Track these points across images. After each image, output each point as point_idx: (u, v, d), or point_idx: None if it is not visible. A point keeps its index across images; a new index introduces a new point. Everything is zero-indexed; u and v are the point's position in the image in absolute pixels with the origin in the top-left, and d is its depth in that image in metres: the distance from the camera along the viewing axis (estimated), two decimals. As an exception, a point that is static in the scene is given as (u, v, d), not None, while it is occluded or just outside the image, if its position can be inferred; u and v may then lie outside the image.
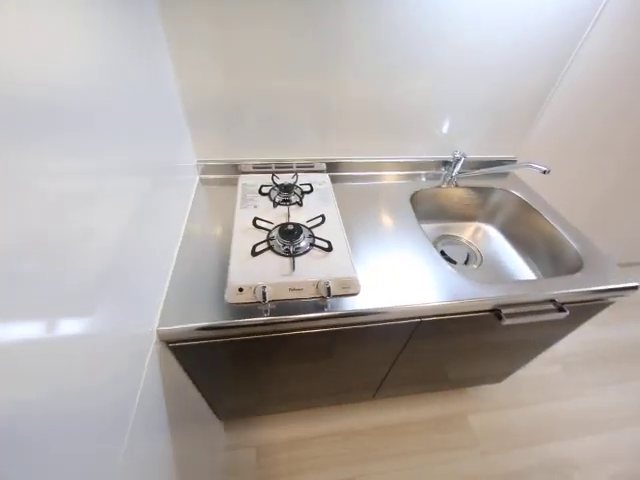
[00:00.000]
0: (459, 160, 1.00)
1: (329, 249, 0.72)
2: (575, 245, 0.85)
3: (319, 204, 0.87)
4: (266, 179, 0.93)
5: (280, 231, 0.73)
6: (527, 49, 0.85)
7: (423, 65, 0.84)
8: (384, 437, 1.17)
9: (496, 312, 0.73)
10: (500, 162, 1.09)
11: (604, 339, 1.55)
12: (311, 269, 0.67)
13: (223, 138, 0.93)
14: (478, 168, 1.04)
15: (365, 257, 0.76)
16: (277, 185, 0.88)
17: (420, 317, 0.71)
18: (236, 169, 0.98)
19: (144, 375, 0.52)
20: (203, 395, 0.89)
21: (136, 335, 0.52)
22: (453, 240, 1.09)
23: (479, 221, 1.13)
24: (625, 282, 0.75)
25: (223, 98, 0.84)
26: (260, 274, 0.65)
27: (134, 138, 0.54)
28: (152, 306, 0.59)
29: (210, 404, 0.96)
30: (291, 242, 0.71)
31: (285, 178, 0.93)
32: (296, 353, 0.77)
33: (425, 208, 1.07)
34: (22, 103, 0.30)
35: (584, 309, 0.80)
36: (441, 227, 1.11)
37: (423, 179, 1.07)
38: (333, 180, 1.00)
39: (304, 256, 0.71)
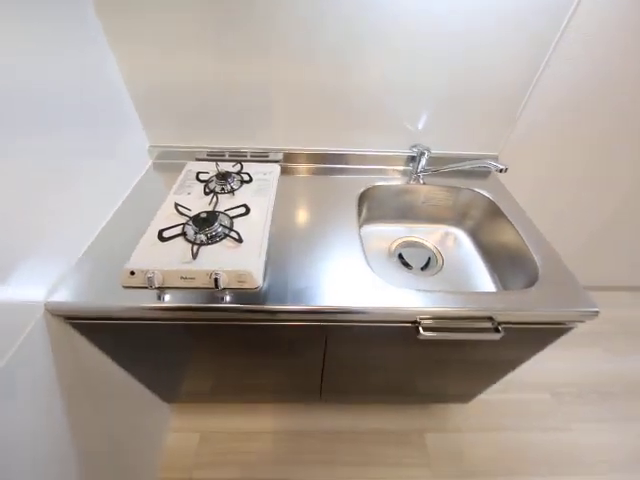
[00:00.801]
0: (422, 155, 0.91)
1: (239, 240, 0.69)
2: (536, 257, 0.73)
3: (254, 195, 0.83)
4: (214, 167, 0.92)
5: (194, 219, 0.71)
6: (506, 27, 0.73)
7: (373, 49, 0.76)
8: (332, 443, 1.13)
9: (415, 324, 0.65)
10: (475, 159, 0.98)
11: (611, 371, 1.35)
12: (214, 259, 0.65)
13: (177, 124, 0.93)
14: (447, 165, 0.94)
15: (285, 254, 0.72)
16: (215, 175, 0.86)
17: (322, 321, 0.65)
18: (192, 156, 0.98)
19: (16, 347, 0.53)
20: (134, 376, 0.91)
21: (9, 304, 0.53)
22: (416, 243, 1.00)
23: (448, 224, 1.02)
24: (582, 306, 0.63)
25: (167, 85, 0.84)
26: (159, 260, 0.64)
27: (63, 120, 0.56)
28: (44, 277, 0.60)
29: (148, 386, 0.99)
30: (199, 230, 0.69)
31: (230, 167, 0.91)
32: (206, 344, 0.76)
33: (387, 206, 0.99)
34: None
35: (529, 332, 0.69)
36: (406, 228, 1.03)
37: (388, 175, 0.99)
38: (287, 172, 0.97)
39: (214, 245, 0.68)
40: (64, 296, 0.61)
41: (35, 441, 0.58)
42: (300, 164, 1.00)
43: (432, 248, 0.99)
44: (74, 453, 0.68)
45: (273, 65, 0.79)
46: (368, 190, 0.93)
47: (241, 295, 0.63)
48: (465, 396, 1.10)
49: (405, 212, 1.01)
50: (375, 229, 1.01)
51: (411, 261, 0.94)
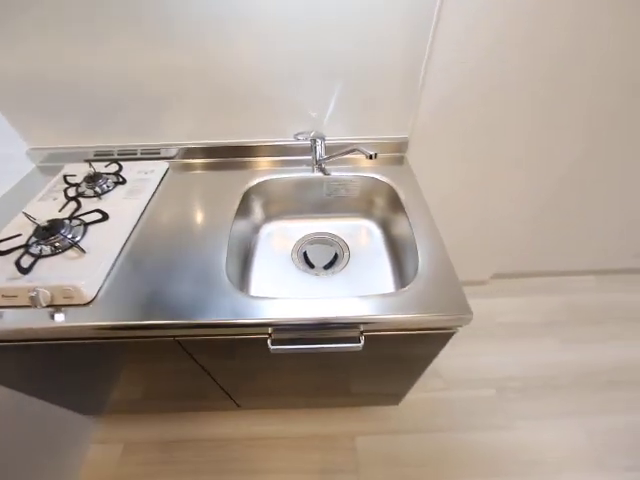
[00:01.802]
0: (316, 143, 0.82)
1: (82, 250, 0.62)
2: (420, 252, 0.65)
3: (125, 197, 0.77)
4: (99, 167, 0.85)
5: (36, 229, 0.65)
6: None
7: (241, 32, 0.68)
8: (253, 449, 1.08)
9: (266, 337, 0.58)
10: (385, 146, 0.89)
11: (562, 362, 1.26)
12: (49, 274, 0.59)
13: (58, 123, 0.86)
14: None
15: (143, 262, 0.65)
16: (85, 177, 0.80)
17: (168, 336, 0.59)
18: (82, 157, 0.92)
19: None
20: (35, 395, 0.87)
21: None
22: (324, 239, 0.92)
23: (357, 216, 0.94)
24: (454, 312, 0.56)
25: (29, 81, 0.76)
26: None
27: None
28: None
29: (57, 403, 0.95)
30: (43, 240, 0.63)
31: (106, 171, 0.84)
32: (76, 361, 0.71)
33: (289, 201, 0.91)
34: None
35: (401, 338, 0.61)
36: (314, 223, 0.94)
37: (289, 167, 0.90)
38: (181, 168, 0.90)
39: (56, 257, 0.62)
40: None
41: None
42: (195, 159, 0.93)
43: (340, 243, 0.91)
44: None
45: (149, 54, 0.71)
46: (259, 185, 0.85)
47: (70, 312, 0.57)
48: (390, 397, 1.03)
49: (311, 206, 0.93)
50: (279, 227, 0.93)
51: (315, 260, 0.87)
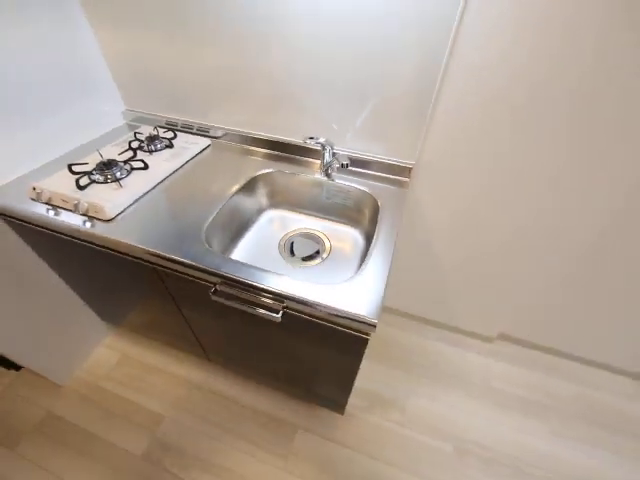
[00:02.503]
0: (324, 148, 0.93)
1: (120, 185, 0.84)
2: (368, 262, 0.71)
3: (168, 158, 0.98)
4: (161, 132, 1.10)
5: (99, 163, 0.89)
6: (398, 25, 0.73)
7: (272, 39, 0.84)
8: (212, 403, 1.21)
9: (212, 285, 0.71)
10: (387, 167, 0.95)
11: (542, 452, 1.11)
12: (95, 194, 0.82)
13: (149, 97, 1.14)
14: (355, 166, 0.95)
15: (157, 206, 0.84)
16: (149, 136, 1.04)
17: (152, 263, 0.76)
18: (155, 122, 1.18)
19: None
20: (69, 285, 1.15)
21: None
22: (312, 235, 1.02)
23: (345, 222, 1.02)
24: (362, 313, 0.61)
25: (143, 65, 1.04)
26: (58, 183, 0.83)
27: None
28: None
29: (87, 302, 1.23)
30: (99, 171, 0.86)
31: (164, 134, 1.08)
32: (99, 266, 0.94)
33: (291, 194, 1.04)
34: None
35: (316, 327, 0.68)
36: (309, 219, 1.05)
37: (300, 166, 1.03)
38: (221, 147, 1.09)
39: (104, 185, 0.85)
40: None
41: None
42: (231, 142, 1.11)
43: (325, 243, 0.99)
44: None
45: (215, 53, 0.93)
46: (269, 174, 0.99)
47: (96, 224, 0.78)
48: (332, 402, 1.06)
49: (311, 204, 1.04)
50: (279, 215, 1.06)
51: (297, 250, 0.97)
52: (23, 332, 1.05)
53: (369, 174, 0.99)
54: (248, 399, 1.23)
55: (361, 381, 1.28)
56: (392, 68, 0.79)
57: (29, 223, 0.84)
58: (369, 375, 1.30)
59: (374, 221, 0.88)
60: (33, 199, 0.83)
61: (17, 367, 1.27)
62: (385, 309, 1.53)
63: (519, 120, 0.79)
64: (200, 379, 1.28)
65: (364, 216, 0.97)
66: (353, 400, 1.23)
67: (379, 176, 0.98)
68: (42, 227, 0.83)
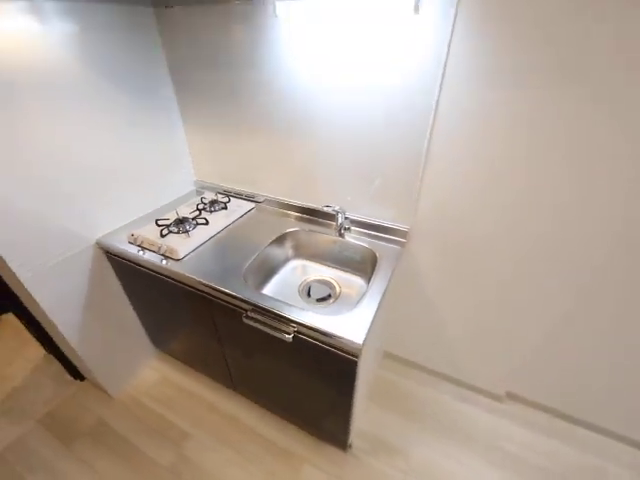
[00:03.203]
0: (338, 213, 1.21)
1: (188, 235, 1.17)
2: (361, 303, 0.92)
3: (223, 216, 1.32)
4: (214, 196, 1.47)
5: (176, 219, 1.25)
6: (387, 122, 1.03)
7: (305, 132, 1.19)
8: (230, 427, 1.36)
9: (244, 311, 0.95)
10: (388, 229, 1.20)
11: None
12: (172, 240, 1.15)
13: (212, 172, 1.55)
14: (362, 228, 1.22)
15: (214, 250, 1.15)
16: (211, 200, 1.41)
17: (205, 293, 1.03)
18: (215, 189, 1.58)
19: (70, 254, 1.14)
20: (135, 311, 1.46)
21: (76, 234, 1.15)
22: (327, 282, 1.25)
23: (353, 272, 1.24)
24: (349, 337, 0.80)
25: (212, 153, 1.47)
26: (147, 231, 1.18)
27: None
28: (104, 224, 1.23)
29: (145, 327, 1.52)
30: (175, 225, 1.21)
31: (221, 199, 1.45)
32: (165, 296, 1.23)
33: (312, 248, 1.30)
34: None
35: (317, 350, 0.88)
36: (325, 268, 1.29)
37: (320, 227, 1.31)
38: (263, 210, 1.43)
39: (178, 234, 1.19)
40: (108, 239, 1.22)
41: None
42: (268, 206, 1.45)
43: (336, 289, 1.22)
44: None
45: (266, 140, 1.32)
46: (294, 232, 1.28)
47: (170, 262, 1.09)
48: (333, 435, 1.17)
49: (327, 256, 1.29)
50: (302, 264, 1.32)
51: (313, 293, 1.20)
52: (96, 344, 1.34)
53: (374, 234, 1.23)
54: (264, 428, 1.36)
55: (370, 425, 1.36)
56: (388, 157, 1.08)
57: (123, 259, 1.19)
58: (379, 421, 1.38)
59: (373, 272, 1.10)
60: (130, 242, 1.18)
61: (82, 378, 1.55)
62: (401, 360, 1.63)
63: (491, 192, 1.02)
64: (226, 407, 1.44)
65: (367, 267, 1.19)
66: (360, 443, 1.30)
67: (382, 236, 1.22)
68: (132, 262, 1.17)
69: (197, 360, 1.50)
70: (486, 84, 0.86)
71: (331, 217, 1.30)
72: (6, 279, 1.16)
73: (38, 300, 1.10)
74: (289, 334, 0.88)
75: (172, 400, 1.47)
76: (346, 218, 1.24)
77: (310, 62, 1.03)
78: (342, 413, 1.05)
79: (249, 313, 0.95)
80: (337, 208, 1.20)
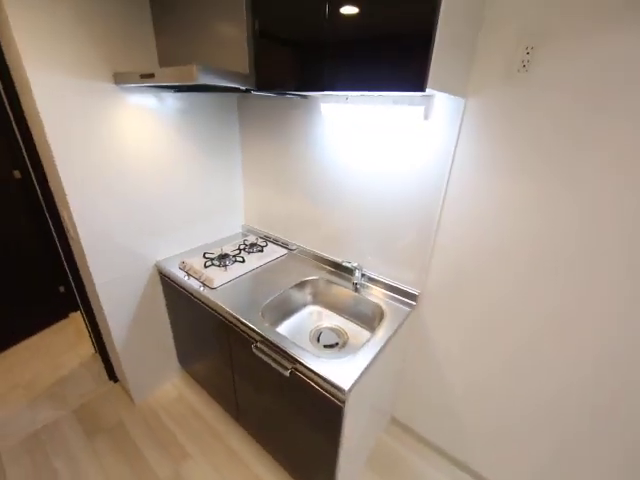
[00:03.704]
0: (355, 269, 1.34)
1: (226, 269, 1.39)
2: (358, 353, 1.00)
3: (257, 257, 1.54)
4: (255, 240, 1.71)
5: (219, 255, 1.49)
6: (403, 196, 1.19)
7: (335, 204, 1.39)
8: (229, 459, 1.41)
9: (255, 341, 1.08)
10: (400, 291, 1.28)
11: None
12: (213, 274, 1.37)
13: (259, 219, 1.82)
14: (377, 286, 1.33)
15: (246, 285, 1.35)
16: (251, 243, 1.65)
17: (224, 319, 1.20)
18: (257, 233, 1.83)
19: (146, 276, 1.43)
20: (171, 328, 1.67)
21: (143, 256, 1.44)
22: (337, 331, 1.34)
23: (362, 325, 1.31)
24: (338, 383, 0.88)
25: (258, 201, 1.76)
26: (196, 262, 1.43)
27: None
28: (162, 250, 1.52)
29: (176, 344, 1.72)
30: (218, 259, 1.45)
31: (260, 243, 1.68)
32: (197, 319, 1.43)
33: (329, 297, 1.42)
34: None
35: (309, 390, 0.95)
36: (338, 317, 1.39)
37: (338, 278, 1.44)
38: (293, 256, 1.62)
39: (219, 268, 1.42)
40: (164, 263, 1.49)
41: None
42: (300, 254, 1.63)
43: (344, 337, 1.30)
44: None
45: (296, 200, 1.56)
46: (313, 280, 1.43)
47: (206, 289, 1.30)
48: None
49: (342, 307, 1.39)
50: (317, 310, 1.43)
51: (322, 339, 1.30)
52: (134, 352, 1.55)
53: (387, 293, 1.32)
54: (258, 468, 1.39)
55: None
56: (403, 228, 1.21)
57: (172, 281, 1.43)
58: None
59: (378, 327, 1.18)
60: (180, 268, 1.44)
61: (116, 380, 1.75)
62: (408, 430, 1.57)
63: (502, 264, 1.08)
64: (229, 439, 1.51)
65: (375, 323, 1.27)
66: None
67: (394, 296, 1.31)
68: (178, 285, 1.40)
69: (212, 385, 1.63)
70: (487, 173, 0.99)
71: (350, 271, 1.43)
72: (85, 284, 1.47)
73: (103, 304, 1.37)
74: (287, 369, 0.99)
75: (184, 419, 1.58)
76: (363, 275, 1.36)
77: (343, 149, 1.27)
78: (327, 464, 1.07)
79: (258, 344, 1.08)
80: (355, 264, 1.34)
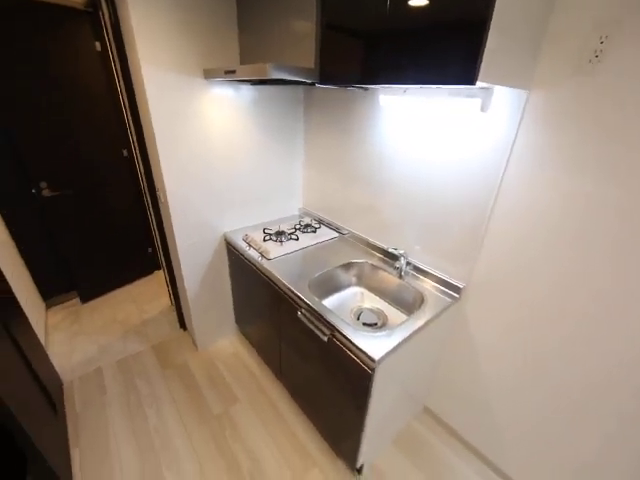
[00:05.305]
0: (401, 256, 1.39)
1: (281, 245, 1.56)
2: (395, 329, 1.08)
3: (310, 237, 1.68)
4: (309, 221, 1.85)
5: (275, 232, 1.66)
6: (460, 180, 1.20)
7: (385, 188, 1.45)
8: (270, 409, 1.61)
9: (301, 308, 1.23)
10: (444, 282, 1.30)
11: None
12: (271, 248, 1.55)
13: (315, 203, 1.96)
14: (421, 274, 1.37)
15: (296, 260, 1.50)
16: (306, 224, 1.79)
17: (278, 288, 1.37)
18: (312, 216, 1.97)
19: (215, 244, 1.68)
20: (232, 291, 1.92)
21: (214, 227, 1.68)
22: (378, 311, 1.41)
23: (403, 310, 1.37)
24: (369, 353, 0.97)
25: (316, 186, 1.88)
26: (257, 237, 1.63)
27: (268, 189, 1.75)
28: (229, 224, 1.75)
29: (234, 306, 1.98)
30: (275, 235, 1.62)
31: (314, 224, 1.81)
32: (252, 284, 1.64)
33: (373, 280, 1.50)
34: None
35: (343, 358, 1.06)
36: (380, 300, 1.46)
37: (384, 264, 1.50)
38: (344, 240, 1.73)
39: (275, 242, 1.59)
40: (231, 234, 1.72)
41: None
42: (350, 239, 1.72)
43: (384, 319, 1.37)
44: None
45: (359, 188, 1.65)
46: (358, 263, 1.51)
47: (263, 260, 1.48)
48: (344, 446, 1.26)
49: (383, 290, 1.46)
50: (361, 291, 1.52)
51: (362, 317, 1.39)
52: (201, 308, 1.83)
53: (430, 283, 1.35)
54: (293, 420, 1.56)
55: (386, 466, 1.40)
56: (454, 219, 1.23)
57: (235, 249, 1.65)
58: (396, 467, 1.40)
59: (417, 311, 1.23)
60: (243, 239, 1.65)
61: (185, 329, 2.09)
62: (440, 422, 1.60)
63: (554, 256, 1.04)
64: (271, 393, 1.71)
65: (415, 308, 1.31)
66: (370, 476, 1.35)
67: (437, 287, 1.33)
68: (240, 253, 1.62)
69: (260, 345, 1.84)
70: (549, 167, 0.95)
71: (396, 258, 1.48)
72: (170, 247, 1.77)
73: (182, 264, 1.64)
74: (326, 335, 1.11)
75: (236, 370, 1.84)
76: (408, 263, 1.41)
77: (400, 139, 1.31)
78: (354, 430, 1.18)
79: (303, 310, 1.22)
80: (402, 252, 1.39)
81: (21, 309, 1.59)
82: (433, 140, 1.20)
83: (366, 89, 1.35)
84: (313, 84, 1.16)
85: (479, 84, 0.74)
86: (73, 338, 2.03)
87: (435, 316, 1.17)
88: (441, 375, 1.51)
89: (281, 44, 1.26)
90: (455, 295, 1.28)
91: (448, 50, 0.76)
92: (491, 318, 1.24)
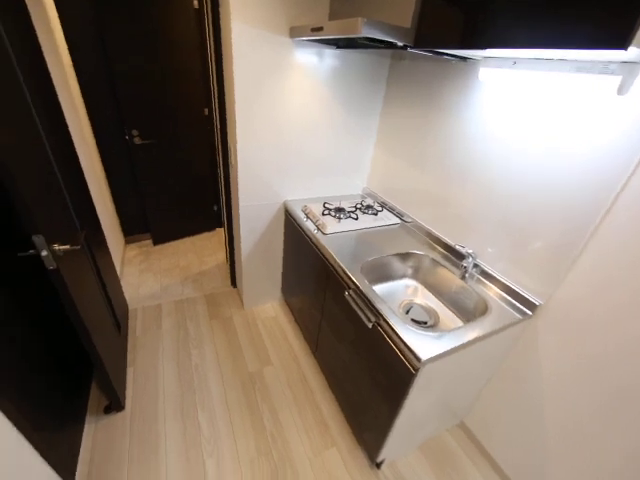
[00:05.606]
0: (469, 255, 1.23)
1: (339, 222, 1.51)
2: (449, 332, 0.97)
3: (371, 219, 1.59)
4: (372, 203, 1.75)
5: (336, 207, 1.60)
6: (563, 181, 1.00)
7: (467, 180, 1.28)
8: (300, 381, 1.64)
9: (349, 288, 1.18)
10: (516, 295, 1.13)
11: None
12: (328, 221, 1.51)
13: (380, 185, 1.85)
14: (488, 280, 1.21)
15: (351, 238, 1.44)
16: (367, 204, 1.70)
17: (328, 264, 1.33)
18: (375, 198, 1.87)
19: (277, 206, 1.70)
20: (283, 259, 1.95)
21: (276, 193, 1.69)
22: (429, 311, 1.30)
23: (459, 315, 1.23)
24: (419, 354, 0.89)
25: (383, 169, 1.77)
26: (317, 210, 1.59)
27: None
28: (288, 192, 1.74)
29: (283, 274, 2.01)
30: (335, 211, 1.57)
31: (376, 207, 1.71)
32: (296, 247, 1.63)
33: (430, 276, 1.38)
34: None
35: (387, 349, 0.99)
36: (435, 298, 1.34)
37: (447, 261, 1.36)
38: (403, 226, 1.62)
39: (334, 217, 1.54)
40: (291, 203, 1.72)
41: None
42: (412, 227, 1.60)
43: (436, 319, 1.26)
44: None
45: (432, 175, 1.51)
46: (417, 255, 1.39)
47: (319, 233, 1.45)
48: (371, 436, 1.22)
49: (440, 289, 1.33)
50: (415, 285, 1.41)
51: (412, 313, 1.30)
52: (252, 269, 1.90)
53: (498, 292, 1.19)
54: (320, 396, 1.57)
55: (406, 469, 1.33)
56: (542, 226, 1.04)
57: (293, 218, 1.65)
58: (417, 472, 1.33)
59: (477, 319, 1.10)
60: (302, 210, 1.63)
61: (235, 285, 2.21)
62: (474, 440, 1.47)
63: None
64: (304, 364, 1.74)
65: (474, 316, 1.18)
66: (389, 474, 1.31)
67: (506, 298, 1.16)
68: (297, 223, 1.61)
69: (301, 317, 1.86)
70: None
71: (462, 257, 1.33)
72: (233, 208, 1.84)
73: (241, 227, 1.70)
74: (371, 321, 1.05)
75: (274, 335, 1.90)
76: (476, 265, 1.25)
77: (497, 121, 1.12)
78: (382, 425, 1.12)
79: (351, 291, 1.17)
80: (470, 251, 1.23)
81: (105, 241, 1.81)
82: (538, 126, 1.00)
83: (465, 59, 1.17)
84: (405, 47, 1.03)
85: (631, 51, 0.57)
86: (142, 274, 2.29)
87: (498, 330, 1.03)
88: (489, 395, 1.36)
89: (374, 3, 1.14)
90: (527, 312, 1.11)
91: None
92: (566, 348, 1.05)
